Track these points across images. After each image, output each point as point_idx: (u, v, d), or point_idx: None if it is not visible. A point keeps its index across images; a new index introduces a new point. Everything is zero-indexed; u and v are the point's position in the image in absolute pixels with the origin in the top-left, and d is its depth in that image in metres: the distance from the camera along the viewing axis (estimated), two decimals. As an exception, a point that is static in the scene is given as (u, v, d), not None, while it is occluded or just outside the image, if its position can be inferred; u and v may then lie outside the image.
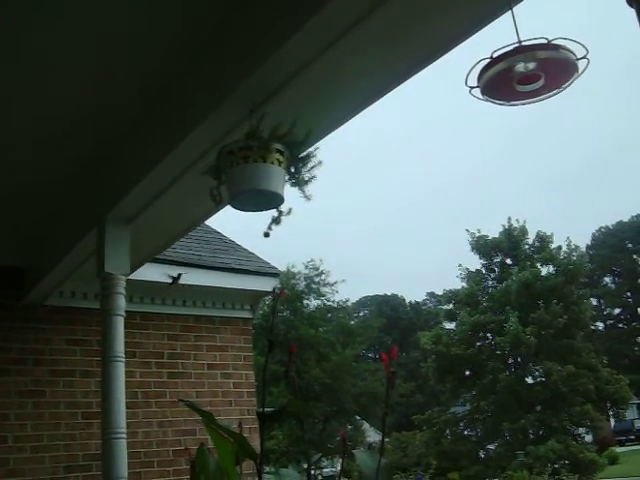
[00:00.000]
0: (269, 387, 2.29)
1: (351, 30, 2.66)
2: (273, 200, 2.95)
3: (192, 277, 6.70)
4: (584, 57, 2.33)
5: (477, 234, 36.54)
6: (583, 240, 73.80)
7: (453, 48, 2.87)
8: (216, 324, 7.12)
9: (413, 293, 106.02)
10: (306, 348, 33.21)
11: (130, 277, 4.57)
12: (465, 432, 35.47)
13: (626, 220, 65.27)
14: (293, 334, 33.39)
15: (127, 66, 3.54)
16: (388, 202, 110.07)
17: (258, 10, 2.97)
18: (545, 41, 2.32)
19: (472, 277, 36.42)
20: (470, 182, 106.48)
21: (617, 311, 64.67)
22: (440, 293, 43.51)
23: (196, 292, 6.88)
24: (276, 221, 3.01)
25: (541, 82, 2.42)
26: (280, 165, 2.87)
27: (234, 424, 2.37)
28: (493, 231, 36.85)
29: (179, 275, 6.52)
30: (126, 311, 4.38)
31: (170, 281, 6.47)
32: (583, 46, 2.32)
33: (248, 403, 7.07)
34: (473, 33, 2.78)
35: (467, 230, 36.83)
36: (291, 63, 2.86)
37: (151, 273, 6.09)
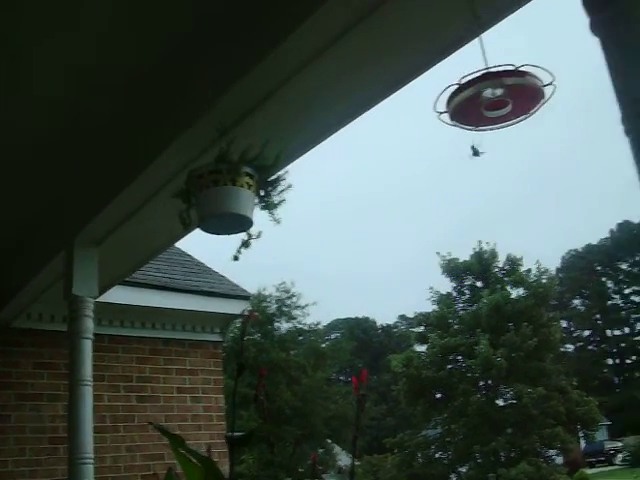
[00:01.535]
0: (239, 411, 2.27)
1: (322, 54, 2.68)
2: (243, 223, 2.96)
3: (163, 300, 6.65)
4: (550, 83, 2.37)
5: (448, 257, 36.78)
6: (553, 263, 74.60)
7: (424, 72, 2.89)
8: (186, 347, 7.06)
9: (384, 316, 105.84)
10: (277, 371, 33.13)
11: (99, 299, 4.53)
12: (437, 455, 35.48)
13: (595, 243, 66.15)
14: (264, 357, 33.31)
15: (95, 86, 3.52)
16: (362, 222, 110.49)
17: (227, 33, 2.98)
18: (512, 68, 2.35)
19: (443, 300, 36.60)
20: (444, 206, 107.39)
21: (587, 333, 65.22)
22: (411, 316, 43.69)
23: (166, 315, 6.82)
24: (245, 244, 3.01)
25: (509, 108, 2.45)
26: (250, 188, 2.88)
27: (203, 448, 2.35)
28: (464, 256, 37.12)
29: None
30: (94, 334, 4.32)
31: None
32: (549, 73, 2.36)
33: (218, 427, 7.00)
34: (445, 57, 2.81)
35: (438, 253, 37.09)
36: (262, 86, 2.87)
37: (121, 295, 6.04)
